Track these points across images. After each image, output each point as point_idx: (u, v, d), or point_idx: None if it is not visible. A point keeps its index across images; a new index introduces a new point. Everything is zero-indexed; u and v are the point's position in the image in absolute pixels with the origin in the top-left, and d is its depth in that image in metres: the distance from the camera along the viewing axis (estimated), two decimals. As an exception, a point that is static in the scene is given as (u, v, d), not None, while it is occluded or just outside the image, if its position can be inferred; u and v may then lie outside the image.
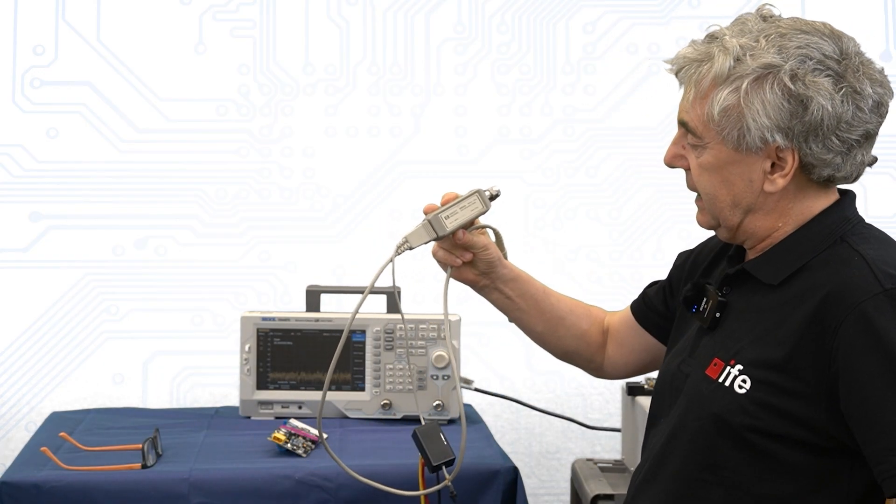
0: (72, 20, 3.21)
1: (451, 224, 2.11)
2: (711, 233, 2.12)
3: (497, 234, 2.19)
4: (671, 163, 1.93)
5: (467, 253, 2.16)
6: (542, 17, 3.29)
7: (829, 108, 1.81)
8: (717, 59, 1.83)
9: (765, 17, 1.87)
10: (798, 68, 1.81)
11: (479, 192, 2.10)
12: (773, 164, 1.84)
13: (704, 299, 1.97)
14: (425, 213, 2.12)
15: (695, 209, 1.95)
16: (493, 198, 2.11)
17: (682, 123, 1.89)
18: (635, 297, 2.25)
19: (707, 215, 1.92)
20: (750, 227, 1.89)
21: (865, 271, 1.78)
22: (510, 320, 2.28)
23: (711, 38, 1.87)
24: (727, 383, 1.84)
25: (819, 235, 1.86)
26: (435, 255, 2.19)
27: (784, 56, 1.82)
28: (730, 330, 1.90)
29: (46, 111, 3.21)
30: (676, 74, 1.90)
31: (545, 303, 2.24)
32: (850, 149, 1.84)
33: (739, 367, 1.84)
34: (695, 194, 1.94)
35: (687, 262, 2.14)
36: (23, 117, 3.20)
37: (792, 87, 1.81)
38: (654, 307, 2.19)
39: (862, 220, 1.90)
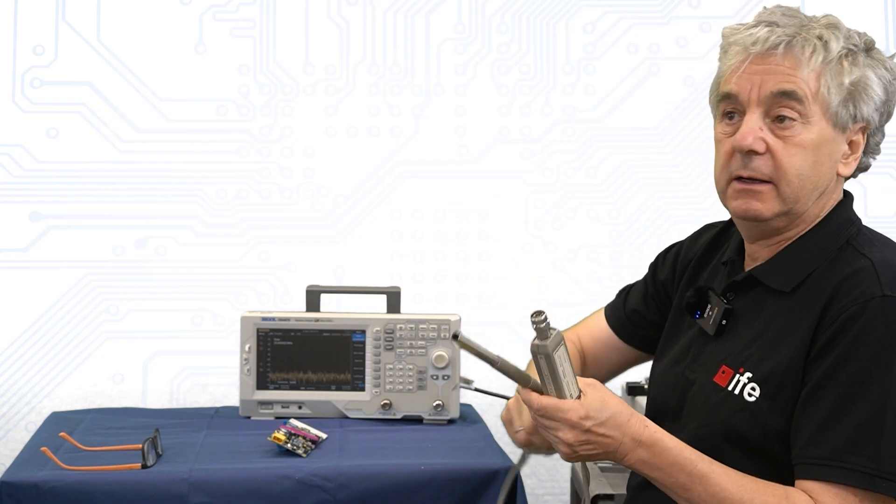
0: (72, 20, 3.21)
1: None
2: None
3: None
4: (752, 146, 1.80)
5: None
6: (542, 17, 3.29)
7: None
8: (824, 35, 1.80)
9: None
10: (879, 51, 1.85)
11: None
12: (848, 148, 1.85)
13: (709, 305, 1.95)
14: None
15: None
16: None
17: (783, 94, 1.79)
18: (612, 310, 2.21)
19: (774, 202, 1.82)
20: (809, 213, 1.85)
21: (871, 275, 1.77)
22: None
23: (780, 22, 1.82)
24: (736, 391, 1.83)
25: (826, 240, 1.85)
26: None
27: (867, 38, 1.85)
28: (737, 337, 1.88)
29: (46, 111, 3.21)
30: (774, 49, 1.79)
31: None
32: (883, 138, 1.88)
33: (749, 374, 1.83)
34: (746, 181, 1.84)
35: (677, 263, 2.12)
36: (23, 117, 3.20)
37: (891, 64, 1.84)
38: (642, 321, 2.14)
39: (861, 221, 1.91)
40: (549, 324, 1.73)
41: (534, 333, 1.75)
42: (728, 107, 1.85)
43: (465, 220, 3.28)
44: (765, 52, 1.80)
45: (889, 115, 1.86)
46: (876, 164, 1.92)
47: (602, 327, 2.19)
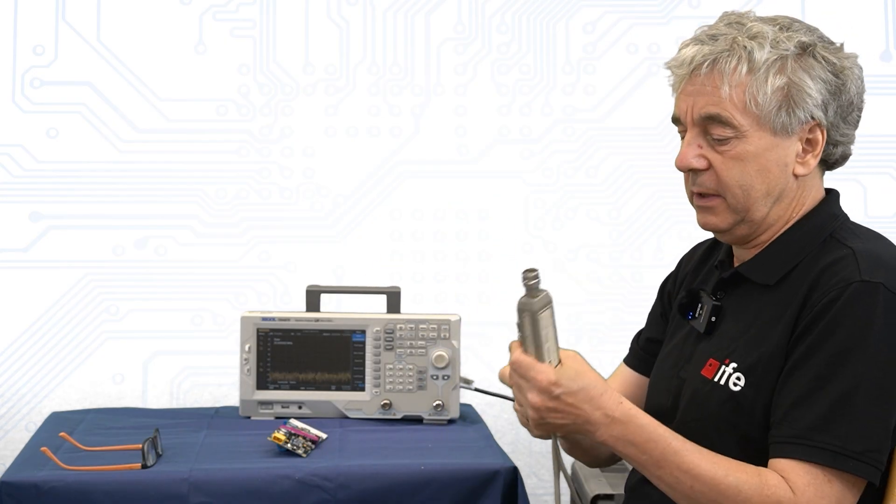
0: (72, 20, 3.21)
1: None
2: (705, 235, 2.12)
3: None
4: (692, 165, 1.87)
5: None
6: (542, 17, 3.29)
7: (857, 83, 1.87)
8: (748, 45, 1.82)
9: (749, 18, 1.89)
10: (829, 45, 1.84)
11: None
12: (803, 147, 1.85)
13: (699, 305, 1.97)
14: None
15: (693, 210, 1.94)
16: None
17: (709, 118, 1.84)
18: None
19: (726, 214, 1.87)
20: (772, 217, 1.88)
21: (851, 262, 1.80)
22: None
23: (712, 37, 1.87)
24: (722, 382, 1.86)
25: (809, 235, 1.88)
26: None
27: (812, 35, 1.85)
28: (725, 332, 1.91)
29: (46, 111, 3.21)
30: (699, 69, 1.84)
31: None
32: (857, 124, 1.87)
33: (734, 365, 1.85)
34: (699, 197, 1.89)
35: (678, 275, 2.13)
36: (23, 117, 3.20)
37: (835, 60, 1.84)
38: (657, 348, 2.12)
39: (847, 216, 1.92)
40: (539, 282, 1.74)
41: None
42: (678, 128, 1.92)
43: (465, 220, 3.28)
44: (692, 73, 1.85)
45: (848, 107, 1.86)
46: (876, 164, 1.93)
47: (623, 370, 2.18)
